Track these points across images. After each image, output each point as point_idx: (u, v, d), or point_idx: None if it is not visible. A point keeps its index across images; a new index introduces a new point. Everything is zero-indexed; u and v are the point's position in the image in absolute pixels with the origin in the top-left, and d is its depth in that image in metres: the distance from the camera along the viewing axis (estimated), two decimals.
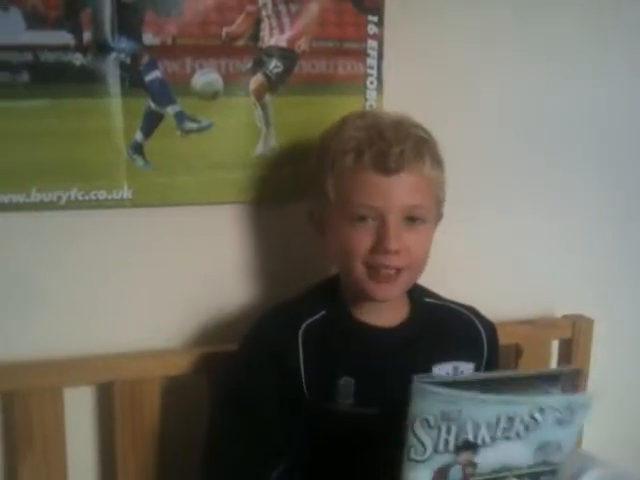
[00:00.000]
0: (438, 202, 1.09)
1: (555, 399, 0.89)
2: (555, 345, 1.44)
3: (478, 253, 1.38)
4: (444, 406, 0.83)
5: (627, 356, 1.55)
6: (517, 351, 1.38)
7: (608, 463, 1.32)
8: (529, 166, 1.40)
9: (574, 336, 1.41)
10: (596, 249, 1.49)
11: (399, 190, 1.02)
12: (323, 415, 1.05)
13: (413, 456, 0.85)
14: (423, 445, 0.84)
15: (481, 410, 0.84)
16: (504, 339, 1.24)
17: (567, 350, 1.42)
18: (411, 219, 1.03)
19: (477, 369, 1.14)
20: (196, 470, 1.12)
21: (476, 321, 1.18)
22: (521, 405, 0.86)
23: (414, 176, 1.02)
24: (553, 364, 1.44)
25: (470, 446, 0.86)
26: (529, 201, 1.41)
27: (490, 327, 1.19)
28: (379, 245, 1.01)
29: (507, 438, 0.87)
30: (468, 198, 1.31)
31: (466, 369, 1.12)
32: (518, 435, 0.88)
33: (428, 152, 1.04)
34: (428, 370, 1.09)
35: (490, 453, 0.87)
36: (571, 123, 1.41)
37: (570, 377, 0.93)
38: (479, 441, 0.86)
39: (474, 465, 0.87)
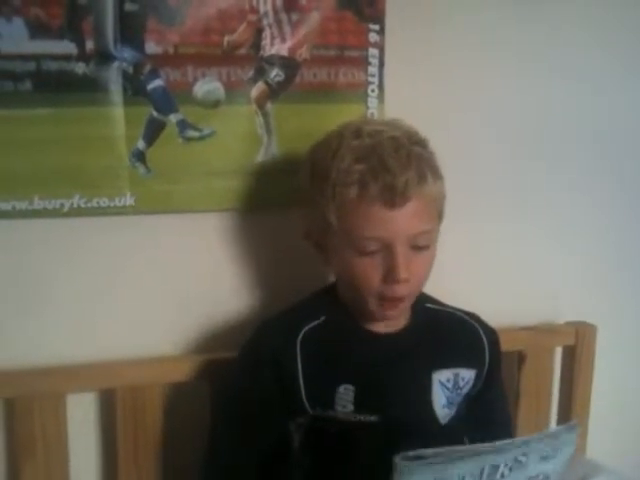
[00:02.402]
0: (440, 217, 1.08)
1: (542, 444, 0.89)
2: (558, 352, 1.44)
3: (480, 259, 1.38)
4: (428, 477, 0.83)
5: (630, 362, 1.55)
6: (520, 358, 1.38)
7: (613, 471, 1.32)
8: (531, 171, 1.40)
9: (577, 343, 1.41)
10: (599, 254, 1.49)
11: (405, 219, 1.00)
12: (322, 422, 1.05)
13: None
14: None
15: (464, 467, 0.84)
16: (506, 345, 1.24)
17: (570, 357, 1.42)
18: (417, 248, 1.02)
19: (478, 376, 1.14)
20: (198, 475, 1.12)
21: (478, 327, 1.17)
22: (506, 454, 0.86)
23: (418, 201, 1.00)
24: (556, 371, 1.44)
25: None
26: (531, 207, 1.41)
27: (492, 333, 1.18)
28: (389, 275, 1.00)
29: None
30: (470, 203, 1.31)
31: (467, 375, 1.12)
32: (502, 476, 0.87)
33: (429, 169, 1.02)
34: (429, 376, 1.09)
35: None
36: (573, 127, 1.42)
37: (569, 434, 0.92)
38: None
39: None
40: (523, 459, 0.87)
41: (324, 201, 1.02)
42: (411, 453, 0.83)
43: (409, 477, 0.83)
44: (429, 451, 0.84)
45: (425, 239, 1.03)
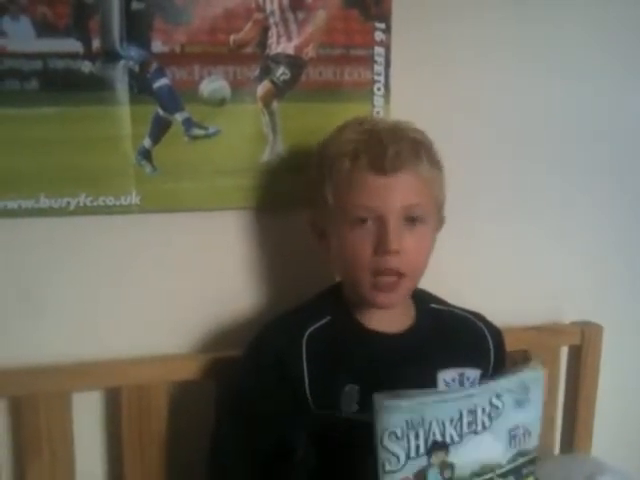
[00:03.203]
0: (437, 204, 1.09)
1: (508, 380, 0.92)
2: (564, 352, 1.44)
3: (484, 259, 1.37)
4: (407, 416, 0.85)
5: (636, 362, 1.55)
6: (524, 358, 1.37)
7: (618, 470, 1.32)
8: (536, 171, 1.40)
9: (583, 343, 1.41)
10: (604, 254, 1.48)
11: (397, 190, 1.02)
12: (326, 422, 1.05)
13: (388, 468, 0.86)
14: (396, 456, 0.86)
15: (442, 409, 0.87)
16: (511, 345, 1.24)
17: (576, 357, 1.42)
18: (411, 219, 1.03)
19: (484, 375, 1.13)
20: (202, 474, 1.12)
21: (483, 327, 1.17)
22: (479, 396, 0.89)
23: (411, 176, 1.02)
24: (562, 371, 1.43)
25: (440, 446, 0.87)
26: (536, 206, 1.41)
27: (497, 333, 1.18)
28: (380, 246, 1.01)
29: (475, 432, 0.89)
30: (474, 202, 1.32)
31: (472, 375, 1.12)
32: (484, 426, 0.90)
33: (425, 153, 1.04)
34: (434, 376, 1.08)
35: (462, 450, 0.89)
36: (575, 127, 1.41)
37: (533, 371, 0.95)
38: (447, 439, 0.88)
39: (451, 467, 0.89)
40: (498, 403, 0.90)
41: (322, 181, 1.05)
42: (390, 392, 0.86)
43: (388, 415, 0.85)
44: (408, 392, 0.87)
45: (419, 211, 1.03)
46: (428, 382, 1.08)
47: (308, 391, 1.05)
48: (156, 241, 1.20)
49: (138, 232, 1.19)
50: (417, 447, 0.86)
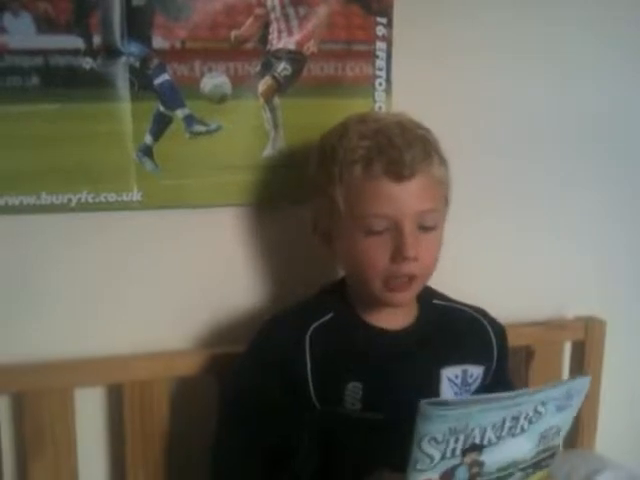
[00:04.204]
0: (447, 203, 1.08)
1: (557, 390, 0.89)
2: (567, 347, 1.43)
3: (487, 253, 1.37)
4: (452, 424, 0.82)
5: (638, 356, 1.54)
6: (528, 353, 1.38)
7: (621, 466, 1.32)
8: (539, 165, 1.39)
9: (587, 338, 1.41)
10: (607, 249, 1.48)
11: (412, 195, 1.00)
12: (330, 419, 1.05)
13: (420, 467, 0.84)
14: (430, 457, 0.84)
15: (487, 416, 0.84)
16: (515, 341, 1.24)
17: (580, 352, 1.42)
18: (424, 228, 1.02)
19: (486, 372, 1.13)
20: (206, 471, 1.12)
21: (486, 323, 1.17)
22: (525, 404, 0.86)
23: (425, 179, 1.01)
24: (565, 366, 1.43)
25: (476, 447, 0.85)
26: (539, 201, 1.41)
27: (500, 329, 1.18)
28: (397, 254, 1.00)
29: (512, 435, 0.87)
30: (477, 197, 1.31)
31: (475, 372, 1.12)
32: (523, 429, 0.88)
33: (435, 152, 1.03)
34: (437, 373, 1.08)
35: (496, 451, 0.87)
36: (575, 124, 1.41)
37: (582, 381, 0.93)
38: (485, 442, 0.86)
39: (480, 464, 0.87)
40: (542, 410, 0.87)
41: (332, 185, 1.03)
42: (437, 399, 0.83)
43: (432, 423, 0.82)
44: (454, 399, 0.86)
45: (432, 219, 1.03)
46: (431, 379, 1.08)
47: (312, 388, 1.04)
48: (157, 237, 1.20)
49: (139, 229, 1.19)
50: (454, 449, 0.84)
